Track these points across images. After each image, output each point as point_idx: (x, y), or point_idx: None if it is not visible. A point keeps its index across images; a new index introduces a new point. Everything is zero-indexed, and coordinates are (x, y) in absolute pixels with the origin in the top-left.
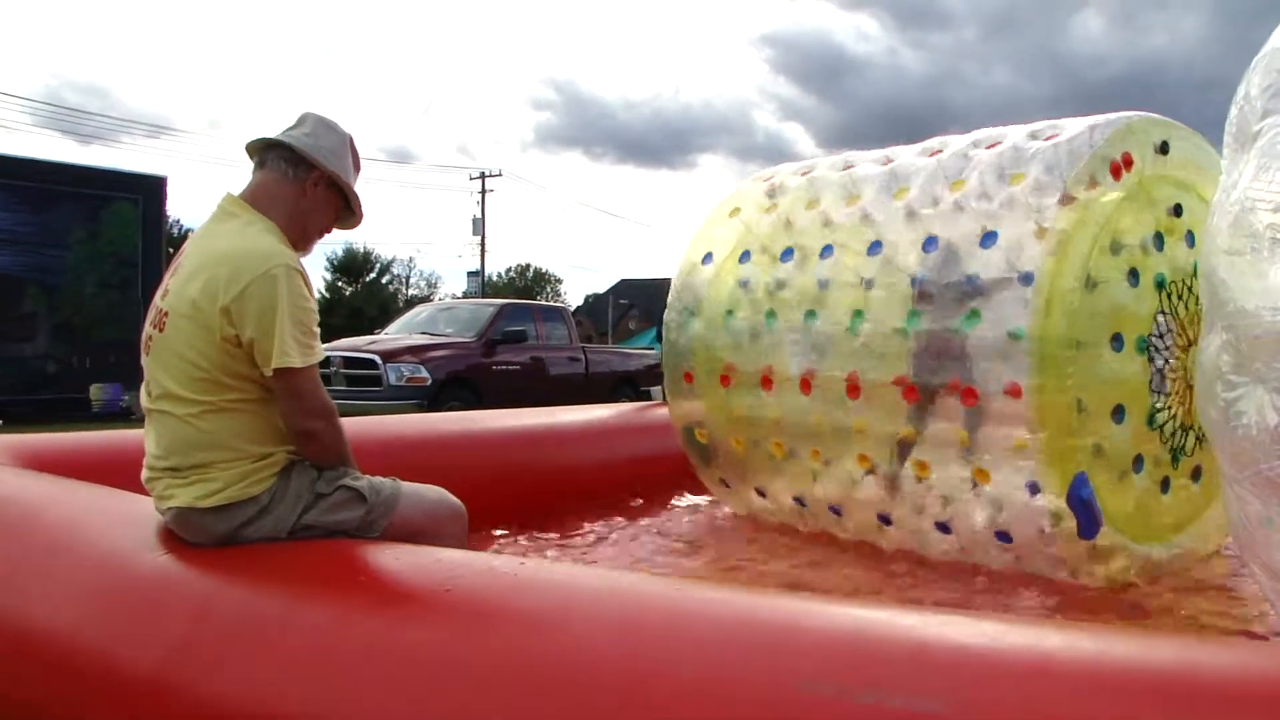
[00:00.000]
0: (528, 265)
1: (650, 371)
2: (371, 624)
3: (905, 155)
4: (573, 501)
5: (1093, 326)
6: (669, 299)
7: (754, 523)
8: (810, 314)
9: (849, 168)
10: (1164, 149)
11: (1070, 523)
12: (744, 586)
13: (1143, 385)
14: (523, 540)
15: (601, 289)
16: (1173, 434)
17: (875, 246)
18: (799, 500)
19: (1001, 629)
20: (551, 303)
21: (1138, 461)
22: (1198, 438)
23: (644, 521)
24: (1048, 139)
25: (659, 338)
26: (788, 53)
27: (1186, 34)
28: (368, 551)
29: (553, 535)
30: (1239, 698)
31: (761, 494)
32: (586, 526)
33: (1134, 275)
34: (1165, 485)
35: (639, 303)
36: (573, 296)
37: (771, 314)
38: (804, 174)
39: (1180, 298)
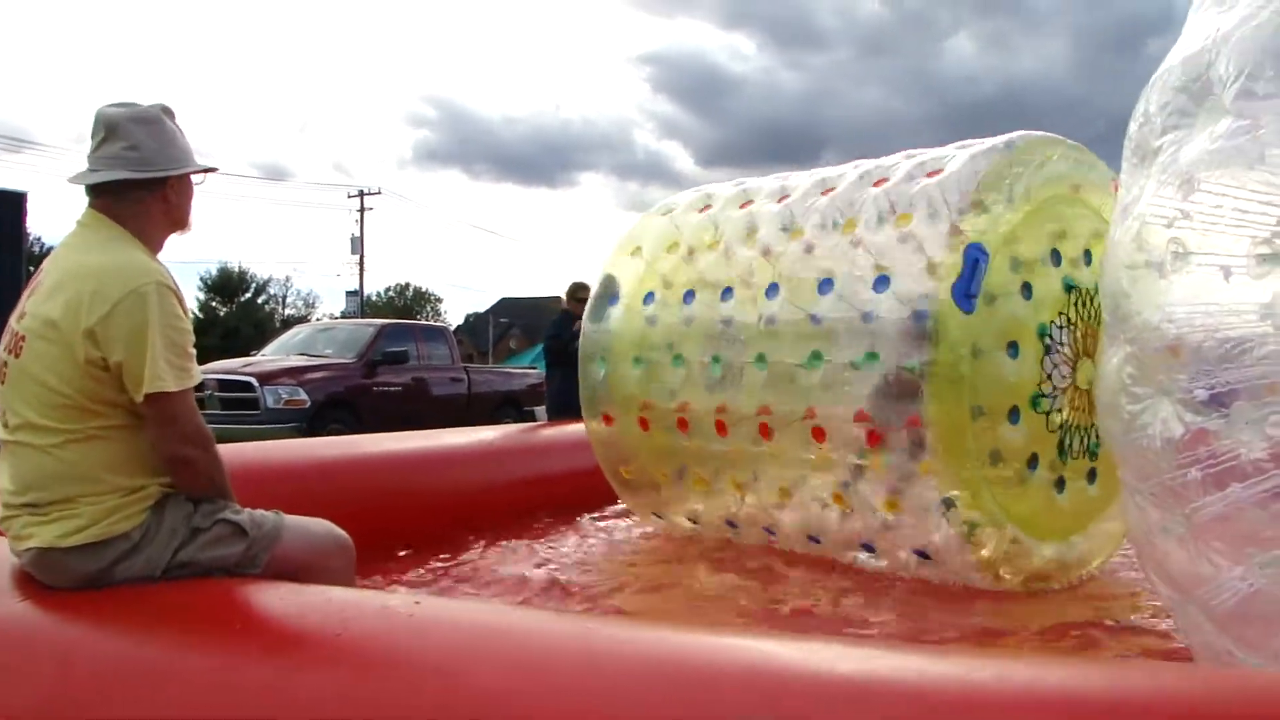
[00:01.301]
0: (407, 284)
1: (533, 391)
2: (258, 672)
3: (800, 189)
4: (466, 526)
5: (989, 335)
6: (580, 341)
7: (666, 540)
8: (715, 359)
9: (747, 204)
10: (1045, 165)
11: (982, 531)
12: (664, 623)
13: (1035, 387)
14: (419, 571)
15: (482, 308)
16: (1064, 435)
17: (773, 288)
18: (730, 523)
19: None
20: (432, 322)
21: (1033, 460)
22: (1084, 441)
23: (549, 543)
24: (931, 175)
25: (547, 355)
26: (667, 71)
27: (1053, 58)
28: (251, 591)
29: (448, 561)
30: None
31: (694, 521)
32: (483, 552)
33: (1027, 289)
34: (1060, 485)
35: (520, 321)
36: (453, 315)
37: (678, 358)
38: (703, 209)
39: (1080, 308)
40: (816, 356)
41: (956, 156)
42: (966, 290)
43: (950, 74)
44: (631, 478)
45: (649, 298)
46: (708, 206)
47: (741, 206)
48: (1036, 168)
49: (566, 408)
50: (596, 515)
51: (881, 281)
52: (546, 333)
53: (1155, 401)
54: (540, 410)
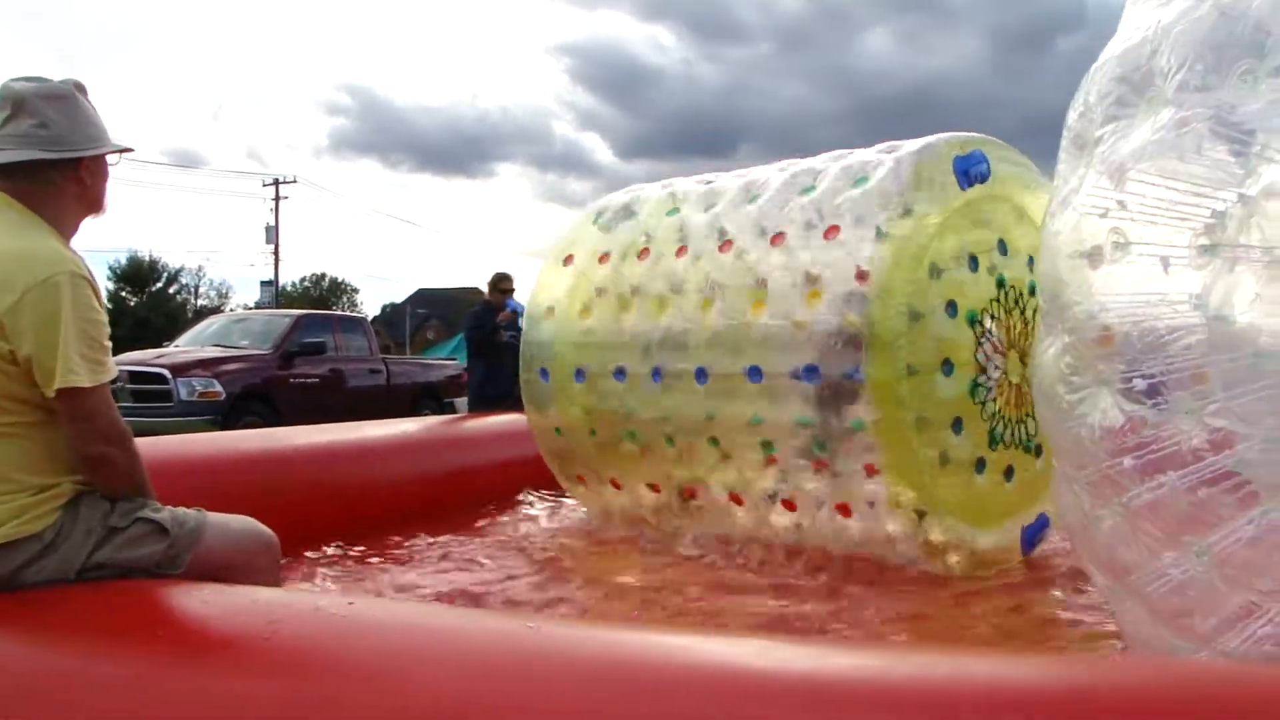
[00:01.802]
0: (323, 274)
1: (453, 382)
2: (181, 680)
3: (728, 196)
4: (393, 521)
5: (924, 352)
6: (520, 354)
7: (593, 536)
8: (655, 371)
9: (675, 212)
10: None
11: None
12: (612, 623)
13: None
14: (348, 569)
15: (399, 299)
16: (1001, 428)
17: (709, 299)
18: (680, 526)
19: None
20: (350, 313)
21: (980, 464)
22: (1015, 431)
23: (483, 537)
24: (857, 183)
25: (469, 346)
26: (586, 62)
27: (964, 56)
28: (173, 593)
29: (377, 558)
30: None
31: (647, 519)
32: (414, 548)
33: (952, 306)
34: (1009, 474)
35: (438, 312)
36: (369, 306)
37: (620, 371)
38: (631, 216)
39: (1007, 309)
40: (756, 371)
41: (883, 163)
42: (966, 169)
43: (866, 69)
44: (583, 480)
45: (584, 309)
46: (635, 214)
47: (669, 214)
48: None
49: (489, 399)
50: (530, 506)
51: (814, 289)
52: (468, 323)
53: (1094, 391)
54: (461, 402)
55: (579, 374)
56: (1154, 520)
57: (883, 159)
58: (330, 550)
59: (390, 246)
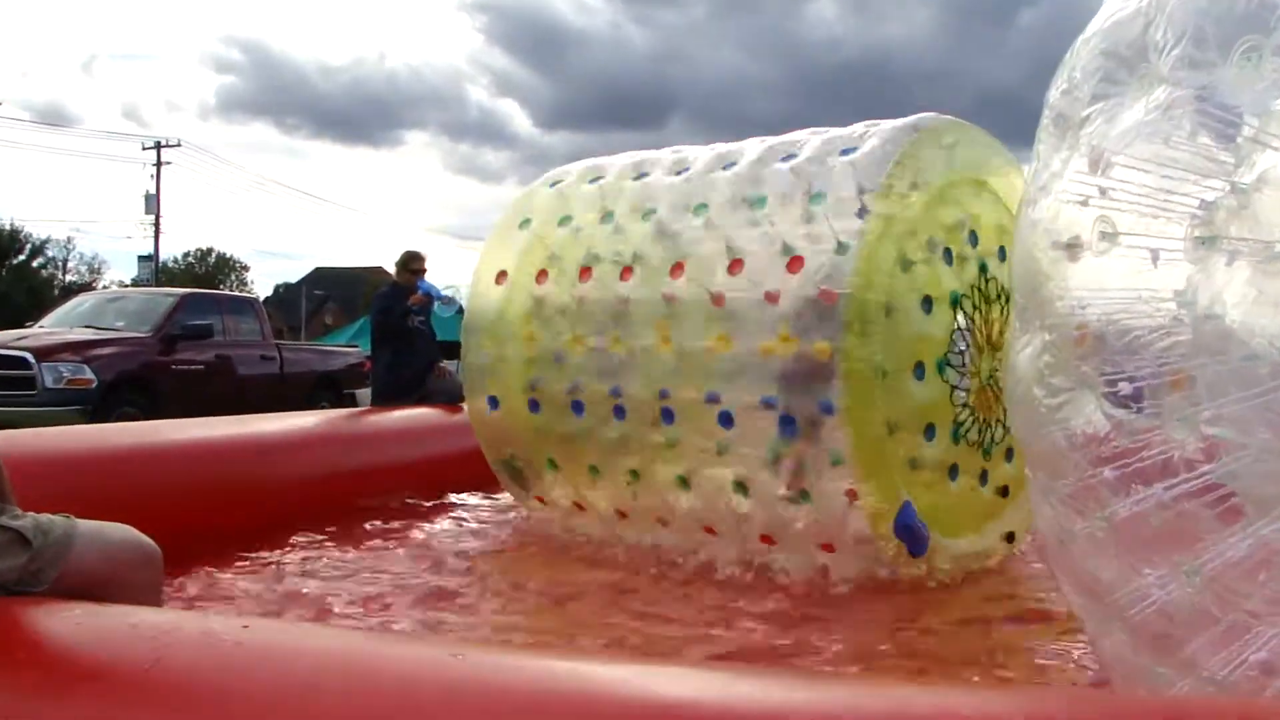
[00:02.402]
0: (209, 250)
1: (354, 371)
2: (48, 715)
3: (699, 163)
4: (289, 526)
5: (897, 354)
6: (464, 321)
7: (526, 537)
8: (615, 341)
9: (642, 177)
10: (952, 149)
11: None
12: (539, 649)
13: (946, 404)
14: (239, 584)
15: (294, 278)
16: (978, 434)
17: (675, 266)
18: (621, 513)
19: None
20: (240, 293)
21: (953, 471)
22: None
23: (392, 544)
24: (843, 154)
25: (376, 332)
26: (503, 21)
27: (918, 25)
28: (36, 613)
29: (272, 570)
30: None
31: (581, 507)
32: (313, 557)
33: (928, 302)
34: (984, 478)
35: (337, 294)
36: (261, 286)
37: (575, 339)
38: (594, 180)
39: (976, 306)
40: (723, 340)
41: (869, 135)
42: (910, 532)
43: (810, 37)
44: (517, 463)
45: (540, 276)
46: (599, 178)
47: (636, 179)
48: (943, 151)
49: (396, 390)
50: (445, 509)
51: (789, 261)
52: (375, 306)
53: (1076, 395)
54: (363, 393)
55: (530, 343)
56: (1141, 536)
57: (868, 131)
58: (220, 562)
59: (285, 220)
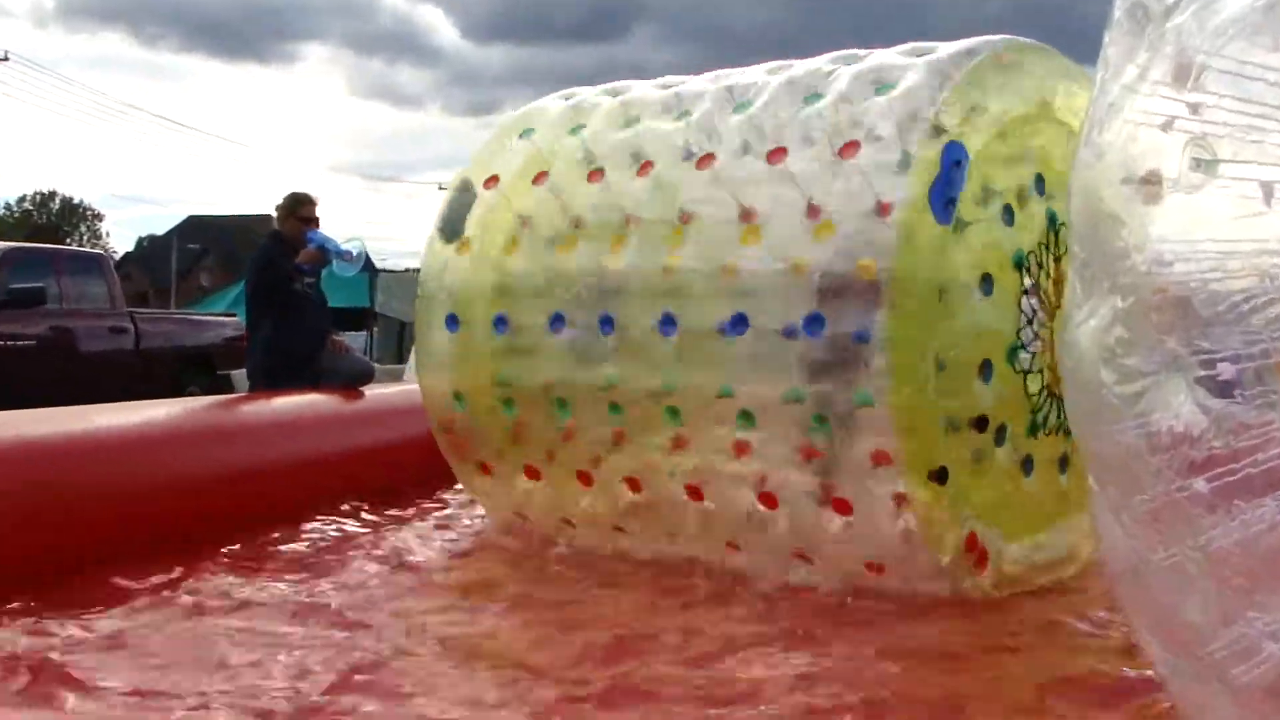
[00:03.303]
0: (51, 194)
1: (232, 347)
2: None
3: (702, 104)
4: (143, 545)
5: (956, 266)
6: (435, 222)
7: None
8: (604, 322)
9: (632, 122)
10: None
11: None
12: None
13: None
14: (58, 617)
15: (161, 228)
16: (1059, 417)
17: (705, 160)
18: (617, 527)
19: None
20: (84, 248)
21: (1000, 433)
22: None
23: (285, 567)
24: (879, 91)
25: (254, 296)
26: None
27: None
28: None
29: (101, 602)
30: None
31: (569, 523)
32: (165, 580)
33: (1008, 211)
34: (1028, 466)
35: (217, 248)
36: (119, 239)
37: (556, 318)
38: (575, 128)
39: (1044, 267)
40: (741, 321)
41: (911, 67)
42: (945, 195)
43: None
44: (487, 465)
45: (510, 244)
46: (581, 125)
47: (626, 125)
48: (1005, 81)
49: (279, 372)
50: (354, 518)
51: (817, 224)
52: (253, 264)
53: (1159, 380)
54: (239, 375)
55: (499, 324)
56: (1242, 569)
57: (911, 63)
58: (42, 596)
59: (148, 157)
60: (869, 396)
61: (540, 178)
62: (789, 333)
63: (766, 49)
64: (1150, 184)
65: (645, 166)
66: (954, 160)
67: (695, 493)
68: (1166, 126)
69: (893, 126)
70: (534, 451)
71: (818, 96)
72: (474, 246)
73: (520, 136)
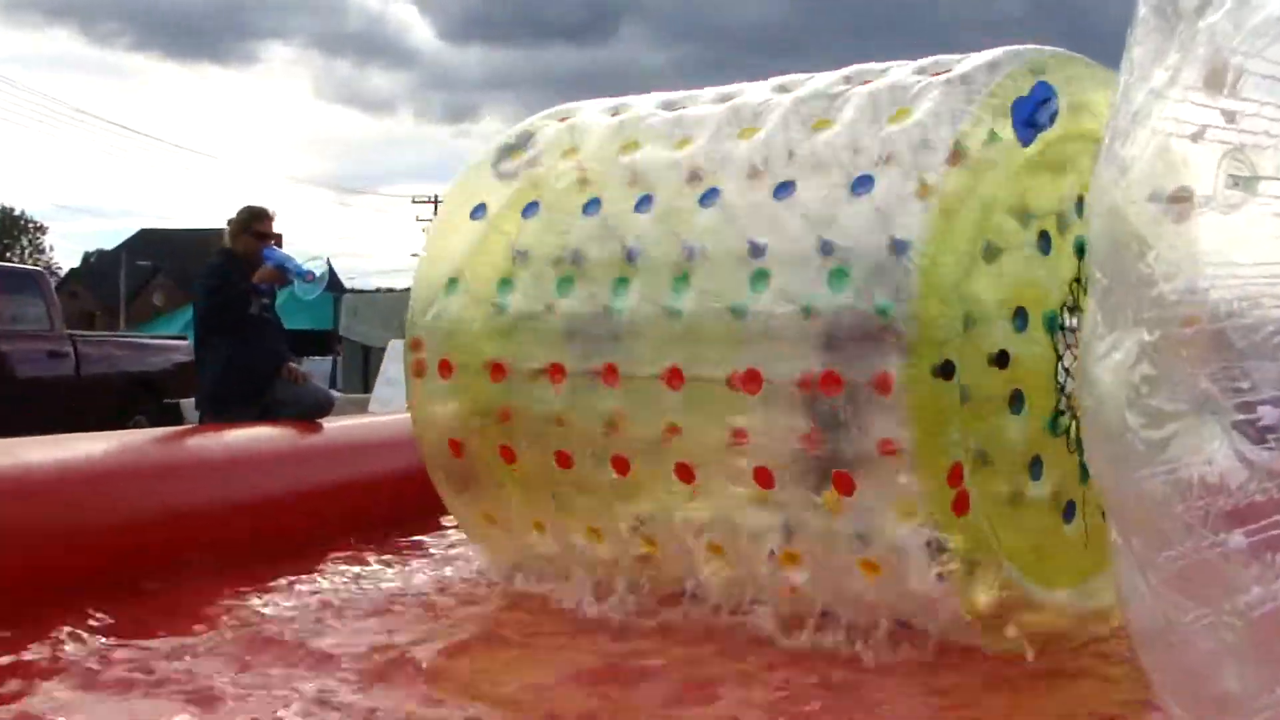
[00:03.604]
0: None
1: (181, 373)
2: None
3: (708, 127)
4: (78, 592)
5: (986, 300)
6: (419, 262)
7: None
8: (620, 282)
9: (631, 147)
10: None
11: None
12: None
13: (1047, 375)
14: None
15: (110, 243)
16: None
17: (710, 194)
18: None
19: None
20: (21, 264)
21: (1035, 465)
22: None
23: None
24: (897, 116)
25: (204, 319)
26: None
27: None
28: None
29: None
30: None
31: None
32: (97, 636)
33: (1045, 239)
34: (1070, 511)
35: (170, 264)
36: (64, 254)
37: (567, 280)
38: (568, 152)
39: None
40: (749, 374)
41: (930, 86)
42: (1029, 117)
43: None
44: (491, 518)
45: (503, 284)
46: (573, 149)
47: (625, 150)
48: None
49: (231, 402)
50: (317, 567)
51: (859, 192)
52: (203, 284)
53: (1191, 424)
54: (189, 404)
55: (495, 371)
56: None
57: (928, 83)
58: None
59: (98, 165)
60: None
61: (532, 207)
62: (802, 383)
63: (763, 49)
64: (1181, 202)
65: (647, 198)
66: (1043, 97)
67: (715, 549)
68: (1199, 137)
69: (910, 153)
70: (536, 500)
71: (827, 123)
72: (462, 283)
73: (512, 156)
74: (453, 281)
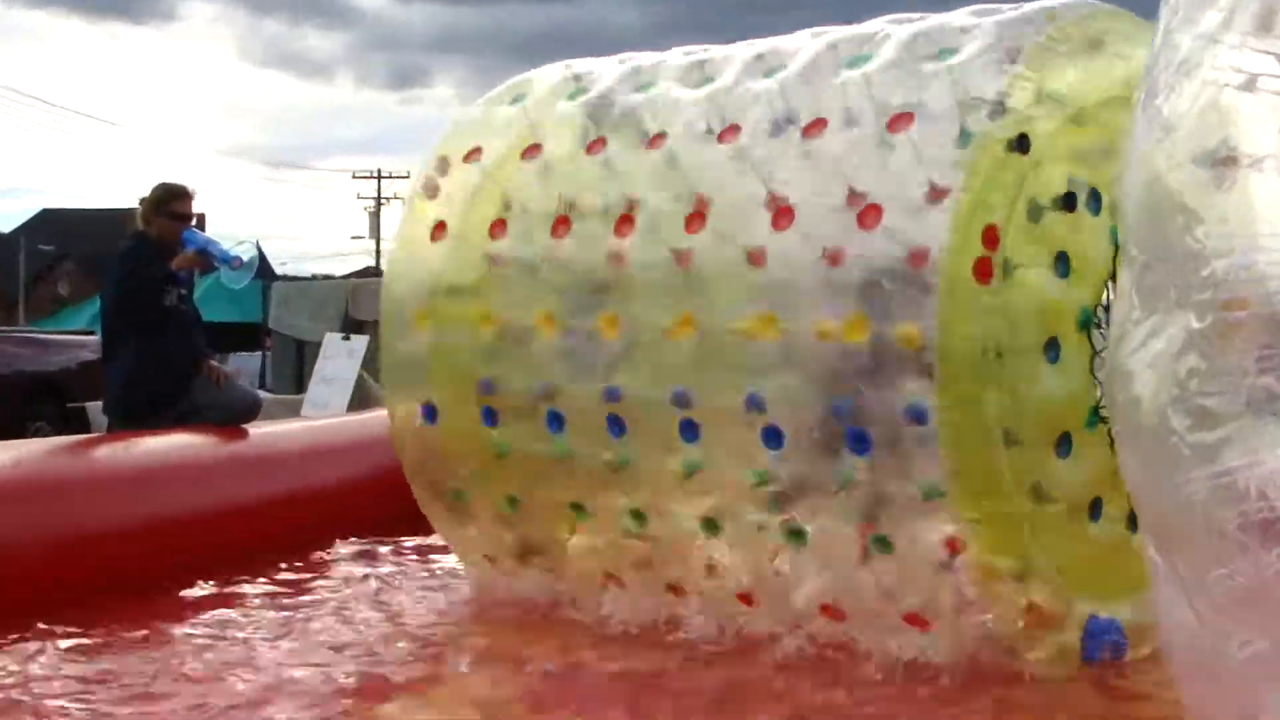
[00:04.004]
0: None
1: (87, 374)
2: None
3: (729, 70)
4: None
5: (1015, 327)
6: (384, 295)
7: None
8: (607, 322)
9: (643, 89)
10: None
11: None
12: None
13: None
14: None
15: (8, 225)
16: None
17: (695, 216)
18: (614, 576)
19: None
20: None
21: (1095, 508)
22: None
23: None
24: (933, 58)
25: (112, 311)
26: None
27: None
28: None
29: None
30: None
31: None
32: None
33: (1063, 260)
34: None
35: (77, 249)
36: None
37: (549, 318)
38: (575, 96)
39: None
40: (766, 321)
41: (973, 30)
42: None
43: None
44: (466, 500)
45: (496, 228)
46: (582, 91)
47: (636, 91)
48: (1086, 51)
49: (143, 407)
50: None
51: (861, 210)
52: (113, 272)
53: (1247, 425)
54: (95, 407)
55: (485, 324)
56: None
57: (975, 25)
58: None
59: None
60: (922, 409)
61: (531, 151)
62: (824, 335)
63: (753, 8)
64: (1236, 165)
65: (657, 139)
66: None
67: (711, 527)
68: (1254, 87)
69: (951, 102)
70: (519, 477)
71: (863, 60)
72: (452, 229)
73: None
74: (439, 227)
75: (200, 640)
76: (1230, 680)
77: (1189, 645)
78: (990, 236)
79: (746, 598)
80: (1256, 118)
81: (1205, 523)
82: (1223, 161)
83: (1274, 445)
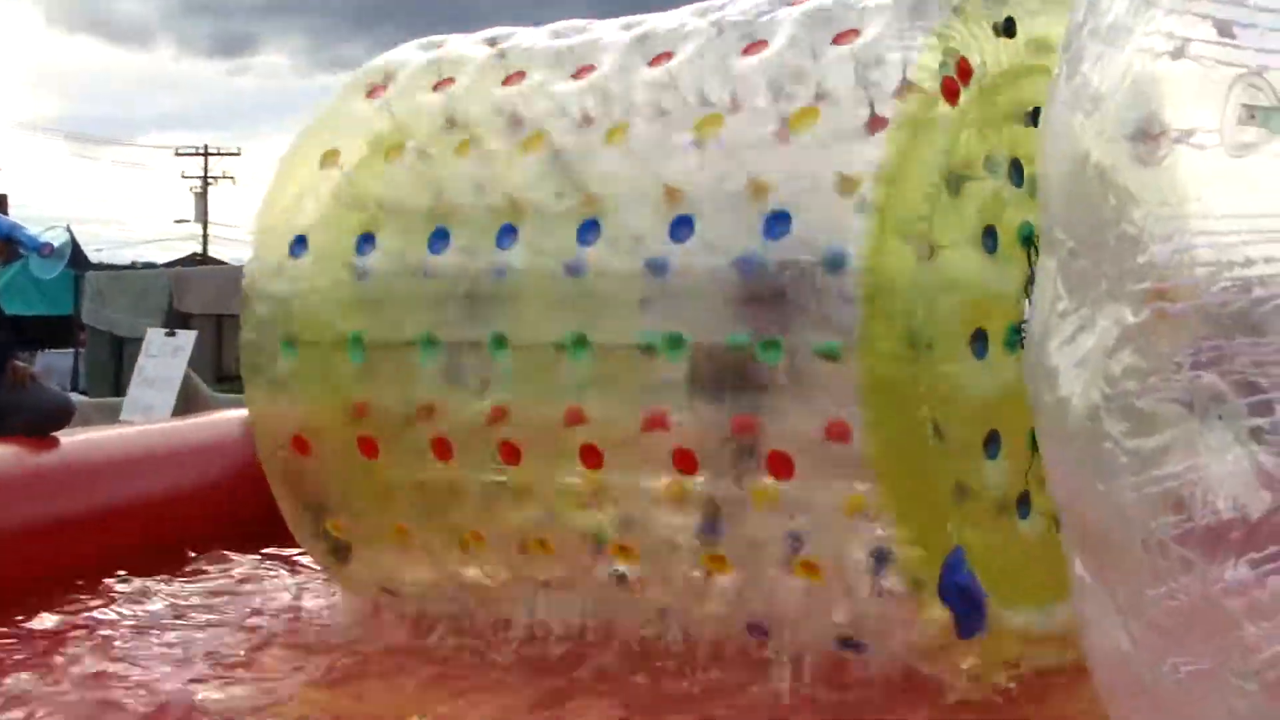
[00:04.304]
0: None
1: None
2: None
3: (610, 55)
4: None
5: (940, 320)
6: (244, 316)
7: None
8: (495, 342)
9: (514, 78)
10: (1008, 29)
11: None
12: None
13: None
14: None
15: None
16: None
17: (589, 224)
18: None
19: None
20: None
21: (1022, 503)
22: None
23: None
24: (840, 39)
25: None
26: None
27: None
28: None
29: None
30: None
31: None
32: None
33: (990, 235)
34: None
35: None
36: None
37: (429, 341)
38: (438, 85)
39: None
40: (675, 344)
41: (875, 6)
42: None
43: None
44: (342, 531)
45: (363, 242)
46: (446, 81)
47: (506, 82)
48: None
49: None
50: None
51: (769, 211)
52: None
53: (1188, 429)
54: None
55: (355, 345)
56: None
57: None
58: None
59: None
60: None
61: (396, 152)
62: (733, 346)
63: None
64: (1175, 141)
65: (535, 139)
66: (956, 583)
67: (625, 551)
68: (1198, 57)
69: (854, 82)
70: (401, 506)
71: (755, 44)
72: (313, 244)
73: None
74: (300, 241)
75: None
76: (1167, 711)
77: (1119, 669)
78: (910, 221)
79: (662, 614)
80: (1203, 91)
81: (1143, 536)
82: (1161, 136)
83: (1220, 449)
